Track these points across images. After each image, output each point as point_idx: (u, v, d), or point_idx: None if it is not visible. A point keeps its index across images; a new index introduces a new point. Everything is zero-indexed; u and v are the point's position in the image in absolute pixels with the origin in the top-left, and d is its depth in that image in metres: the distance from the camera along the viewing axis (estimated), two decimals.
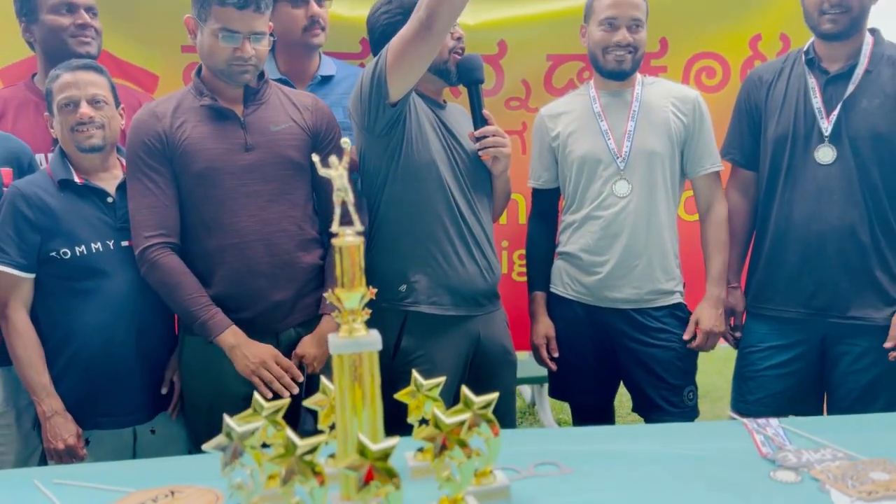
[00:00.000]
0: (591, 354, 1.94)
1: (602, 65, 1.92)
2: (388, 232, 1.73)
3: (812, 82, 1.84)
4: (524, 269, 2.18)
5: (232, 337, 1.57)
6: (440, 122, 1.78)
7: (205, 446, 1.06)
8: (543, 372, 2.08)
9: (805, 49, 1.90)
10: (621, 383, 2.01)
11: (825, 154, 1.80)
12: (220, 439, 1.06)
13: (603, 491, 1.18)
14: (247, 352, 1.56)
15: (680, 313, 1.93)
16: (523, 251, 2.19)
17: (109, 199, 1.66)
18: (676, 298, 1.93)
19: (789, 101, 1.86)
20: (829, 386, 1.86)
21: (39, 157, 1.88)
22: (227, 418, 1.07)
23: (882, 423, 1.47)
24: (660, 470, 1.25)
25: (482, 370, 1.77)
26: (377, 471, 0.98)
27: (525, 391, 3.89)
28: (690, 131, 1.93)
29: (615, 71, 1.90)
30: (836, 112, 1.80)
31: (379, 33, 1.76)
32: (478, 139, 1.79)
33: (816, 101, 1.83)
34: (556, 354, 1.96)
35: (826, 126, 1.80)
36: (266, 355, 1.57)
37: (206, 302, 1.58)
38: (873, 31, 1.86)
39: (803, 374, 1.85)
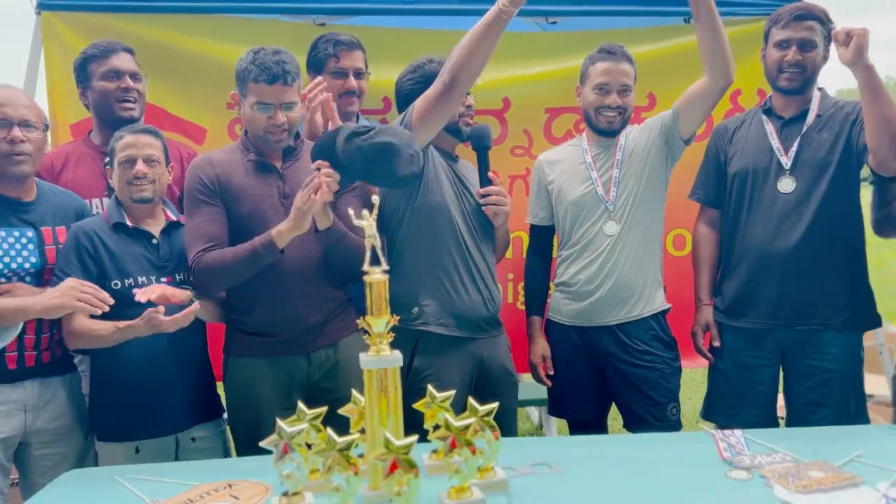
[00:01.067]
0: (586, 375, 2.18)
1: (595, 123, 2.20)
2: (403, 262, 1.99)
3: (769, 128, 2.13)
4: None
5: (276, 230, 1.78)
6: (453, 172, 2.07)
7: (262, 443, 1.33)
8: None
9: (762, 102, 2.19)
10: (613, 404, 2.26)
11: (787, 185, 2.06)
12: (273, 438, 1.33)
13: (585, 485, 1.43)
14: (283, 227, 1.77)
15: (665, 338, 2.18)
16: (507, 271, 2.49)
17: (154, 241, 1.94)
18: (661, 306, 2.18)
19: (749, 143, 2.14)
20: (788, 395, 2.11)
21: (96, 201, 2.18)
22: (279, 421, 1.33)
23: (827, 433, 1.71)
24: (633, 469, 1.49)
25: (486, 388, 2.00)
26: (400, 462, 1.24)
27: (533, 414, 4.12)
28: (660, 120, 2.18)
29: (606, 130, 2.18)
30: (794, 147, 2.07)
31: (404, 95, 2.09)
32: (483, 196, 2.07)
33: (774, 142, 2.10)
34: (551, 372, 2.21)
35: (786, 161, 2.07)
36: None
37: (249, 244, 1.80)
38: (820, 89, 2.15)
39: (768, 381, 2.10)
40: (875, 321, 2.12)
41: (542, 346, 2.23)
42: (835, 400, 2.01)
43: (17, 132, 1.83)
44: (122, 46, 2.21)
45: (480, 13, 2.42)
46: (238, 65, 1.90)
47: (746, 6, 2.57)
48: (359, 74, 2.25)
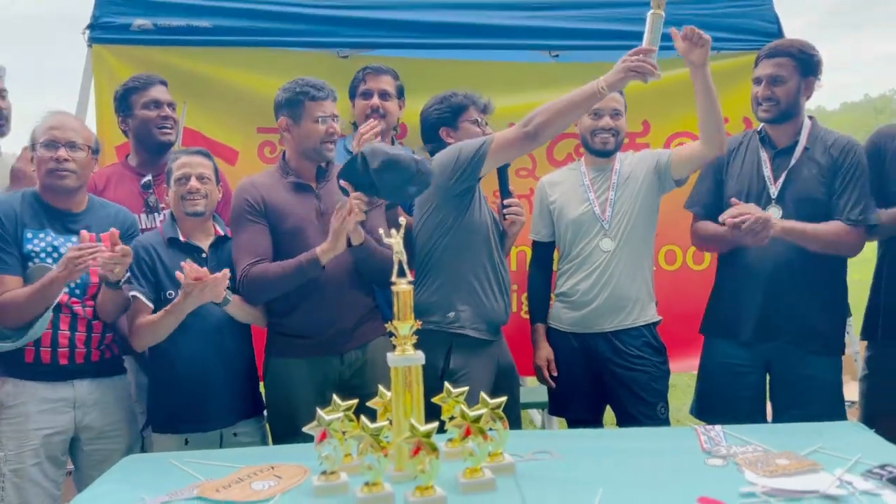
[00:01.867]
0: (583, 378, 2.40)
1: (591, 145, 2.44)
2: (443, 271, 2.21)
3: (764, 155, 2.33)
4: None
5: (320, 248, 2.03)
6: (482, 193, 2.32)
7: (305, 428, 1.56)
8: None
9: (759, 129, 2.41)
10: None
11: (774, 213, 2.27)
12: (313, 424, 1.55)
13: (581, 470, 1.64)
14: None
15: (656, 344, 2.40)
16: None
17: (203, 255, 2.17)
18: (652, 318, 2.40)
19: (745, 169, 2.35)
20: (773, 400, 2.32)
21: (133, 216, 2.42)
22: (318, 410, 1.55)
23: (797, 429, 1.92)
24: (623, 457, 1.70)
25: (498, 382, 2.22)
26: (423, 444, 1.46)
27: (535, 417, 4.33)
28: (656, 159, 2.42)
29: (601, 150, 2.42)
30: (781, 179, 2.28)
31: (431, 123, 2.35)
32: (504, 206, 2.31)
33: (766, 171, 2.31)
34: (555, 374, 2.43)
35: (774, 190, 2.28)
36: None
37: (295, 260, 2.04)
38: (811, 118, 2.36)
39: (753, 387, 2.31)
40: (842, 347, 2.34)
41: (546, 351, 2.45)
42: (816, 406, 2.19)
43: (62, 152, 2.06)
44: (158, 79, 2.45)
45: (481, 47, 2.70)
46: (284, 94, 2.16)
47: (731, 41, 2.80)
48: (384, 96, 2.49)
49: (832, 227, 2.19)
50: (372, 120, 2.35)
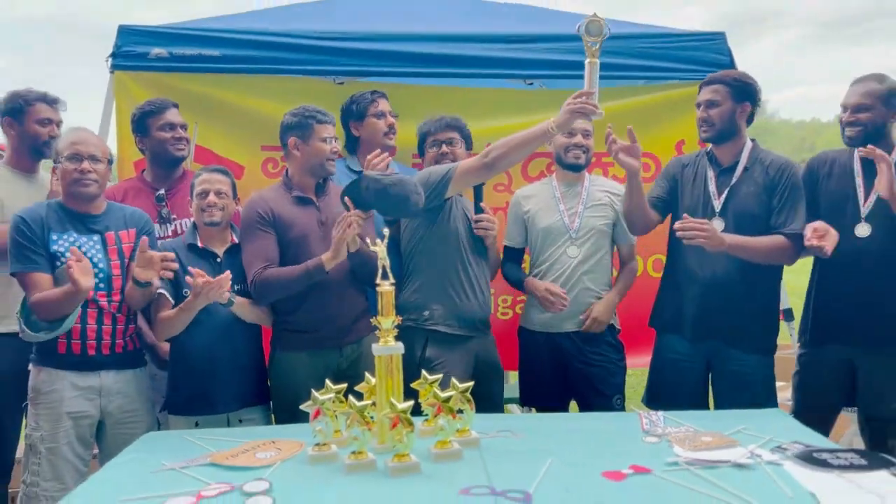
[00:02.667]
0: (550, 372, 2.70)
1: (564, 160, 2.74)
2: (419, 275, 2.53)
3: (710, 173, 2.63)
4: (506, 310, 3.09)
5: (325, 256, 2.34)
6: (460, 206, 2.63)
7: (302, 406, 1.85)
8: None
9: (708, 149, 2.71)
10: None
11: (717, 225, 2.56)
12: (309, 403, 1.84)
13: (536, 445, 1.93)
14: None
15: (614, 343, 2.70)
16: (505, 296, 3.11)
17: (218, 259, 2.46)
18: (613, 322, 2.71)
19: (696, 183, 2.65)
20: (714, 393, 2.62)
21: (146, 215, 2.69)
22: (313, 391, 1.85)
23: (726, 415, 2.22)
24: (574, 436, 2.00)
25: (480, 377, 2.46)
26: (401, 419, 1.75)
27: (515, 410, 4.61)
28: (619, 213, 2.73)
29: (573, 164, 2.73)
30: (724, 195, 2.58)
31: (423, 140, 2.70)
32: (476, 221, 2.62)
33: (711, 187, 2.61)
34: (555, 290, 2.64)
35: (717, 204, 2.59)
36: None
37: (303, 265, 2.35)
38: (753, 140, 2.66)
39: (695, 382, 2.60)
40: (773, 347, 2.63)
41: (542, 283, 2.69)
42: (749, 398, 2.47)
43: (85, 164, 2.34)
44: (171, 103, 2.75)
45: (463, 75, 3.02)
46: (293, 118, 2.48)
47: (689, 72, 3.10)
48: (392, 114, 2.82)
49: (773, 240, 2.48)
50: (382, 152, 2.62)
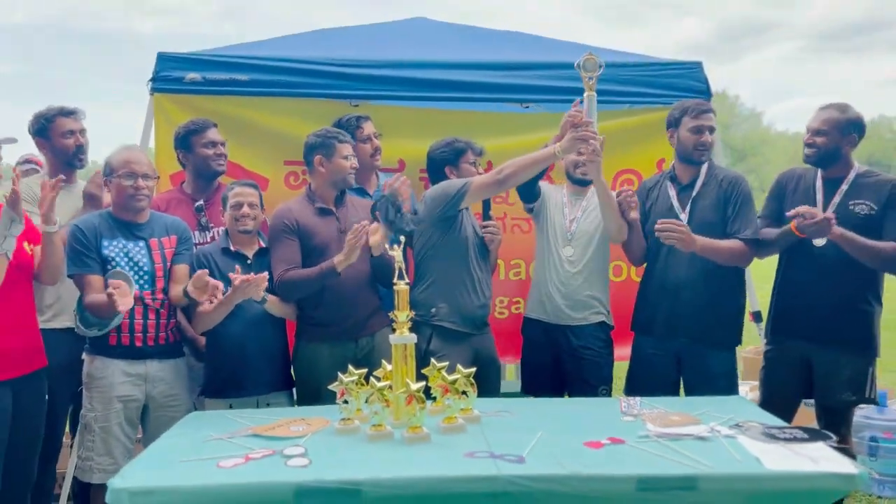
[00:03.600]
0: (548, 363, 3.02)
1: (573, 175, 3.06)
2: (428, 276, 2.85)
3: (672, 192, 2.98)
4: (502, 310, 3.47)
5: (337, 259, 2.66)
6: (470, 217, 2.97)
7: (330, 386, 2.17)
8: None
9: (670, 170, 3.05)
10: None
11: None
12: (336, 383, 2.16)
13: (528, 421, 2.24)
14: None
15: (603, 337, 3.02)
16: (502, 297, 3.45)
17: (248, 261, 2.79)
18: (602, 318, 3.03)
19: (662, 201, 3.00)
20: (683, 382, 2.95)
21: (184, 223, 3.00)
22: (339, 374, 2.17)
23: (695, 401, 2.54)
24: (563, 416, 2.33)
25: (479, 370, 2.69)
26: (415, 397, 2.07)
27: None
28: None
29: (581, 180, 3.06)
30: (688, 208, 2.93)
31: (437, 161, 3.01)
32: (484, 227, 2.95)
33: (675, 203, 2.96)
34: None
35: (684, 217, 2.92)
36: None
37: (318, 267, 2.68)
38: (711, 161, 3.02)
39: (667, 375, 2.93)
40: (738, 341, 2.97)
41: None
42: (714, 390, 2.77)
43: (139, 182, 2.67)
44: (211, 123, 3.08)
45: (465, 99, 3.36)
46: (318, 139, 2.82)
47: (668, 97, 3.38)
48: (376, 135, 3.14)
49: (733, 243, 2.83)
50: (403, 176, 2.89)
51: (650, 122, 3.41)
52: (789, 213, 2.71)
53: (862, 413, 3.95)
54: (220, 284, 2.55)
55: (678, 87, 3.46)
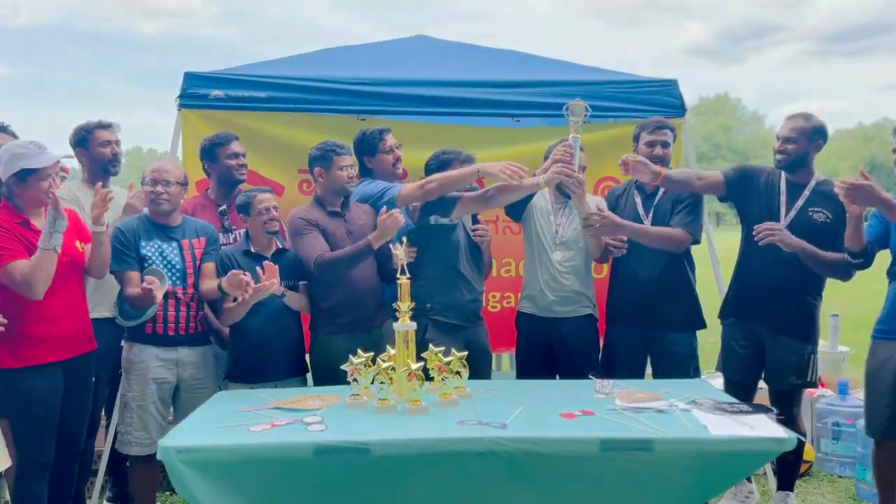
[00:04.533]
0: (540, 353, 3.36)
1: (561, 187, 3.39)
2: (424, 273, 3.17)
3: (637, 199, 3.36)
4: (495, 304, 3.81)
5: (372, 237, 2.99)
6: (463, 222, 3.31)
7: (342, 366, 2.52)
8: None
9: (634, 178, 3.39)
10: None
11: None
12: (348, 364, 2.52)
13: (513, 397, 2.59)
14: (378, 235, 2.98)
15: (589, 328, 3.37)
16: (494, 292, 3.80)
17: (261, 266, 3.12)
18: (588, 311, 3.37)
19: (627, 208, 3.36)
20: (652, 364, 3.31)
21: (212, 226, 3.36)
22: (350, 356, 2.52)
23: (663, 381, 2.89)
24: (544, 395, 2.67)
25: (470, 358, 2.94)
26: (415, 375, 2.43)
27: None
28: None
29: (567, 193, 3.39)
30: (651, 213, 3.31)
31: (430, 171, 3.32)
32: (473, 229, 3.30)
33: (640, 209, 3.33)
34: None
35: (647, 221, 3.30)
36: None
37: (354, 245, 3.01)
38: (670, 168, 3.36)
39: (636, 361, 3.29)
40: (701, 324, 3.34)
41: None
42: (678, 369, 3.20)
43: (158, 188, 3.00)
44: (234, 136, 3.43)
45: (462, 114, 3.71)
46: (318, 151, 3.14)
47: (645, 112, 3.73)
48: (398, 146, 3.44)
49: (670, 229, 3.24)
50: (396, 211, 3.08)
51: (629, 134, 3.74)
52: (757, 233, 3.07)
53: (826, 401, 4.34)
54: (252, 281, 2.88)
55: (655, 102, 3.81)
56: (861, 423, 3.33)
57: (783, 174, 3.25)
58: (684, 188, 3.26)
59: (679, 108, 3.81)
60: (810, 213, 3.15)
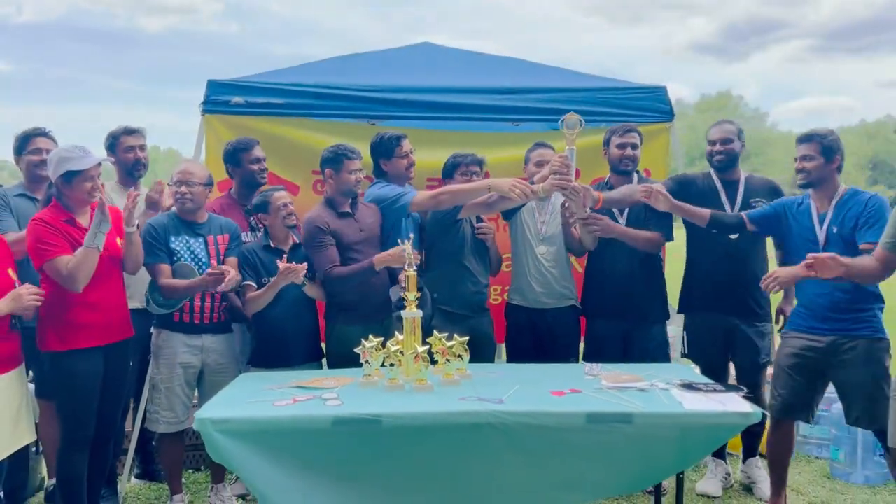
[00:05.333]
0: (529, 340, 3.64)
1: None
2: (433, 265, 3.46)
3: None
4: (496, 297, 4.07)
5: (376, 259, 3.26)
6: (468, 220, 3.58)
7: (355, 349, 2.80)
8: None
9: (606, 180, 3.69)
10: None
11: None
12: (361, 347, 2.80)
13: (509, 378, 2.86)
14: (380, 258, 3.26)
15: (572, 317, 3.66)
16: (495, 286, 4.04)
17: (285, 254, 3.40)
18: (572, 303, 3.66)
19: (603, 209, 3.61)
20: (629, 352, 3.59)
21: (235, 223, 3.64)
22: (363, 341, 2.80)
23: (644, 366, 3.16)
24: (537, 377, 2.95)
25: (473, 345, 3.19)
26: (421, 357, 2.71)
27: None
28: None
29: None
30: (626, 213, 3.61)
31: (447, 168, 3.62)
32: (477, 228, 3.58)
33: (615, 210, 3.61)
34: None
35: (622, 220, 3.60)
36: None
37: (359, 265, 3.28)
38: (637, 172, 3.69)
39: (616, 348, 3.56)
40: (666, 316, 3.65)
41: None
42: (649, 356, 3.46)
43: (182, 188, 3.28)
44: (256, 141, 3.70)
45: (465, 118, 3.98)
46: (329, 154, 3.40)
47: (637, 117, 3.97)
48: (413, 152, 3.68)
49: (650, 233, 3.55)
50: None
51: None
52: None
53: None
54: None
55: (646, 108, 4.08)
56: (836, 406, 3.59)
57: (715, 175, 3.61)
58: (631, 203, 3.54)
59: (668, 114, 4.08)
60: (753, 204, 3.51)
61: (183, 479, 3.59)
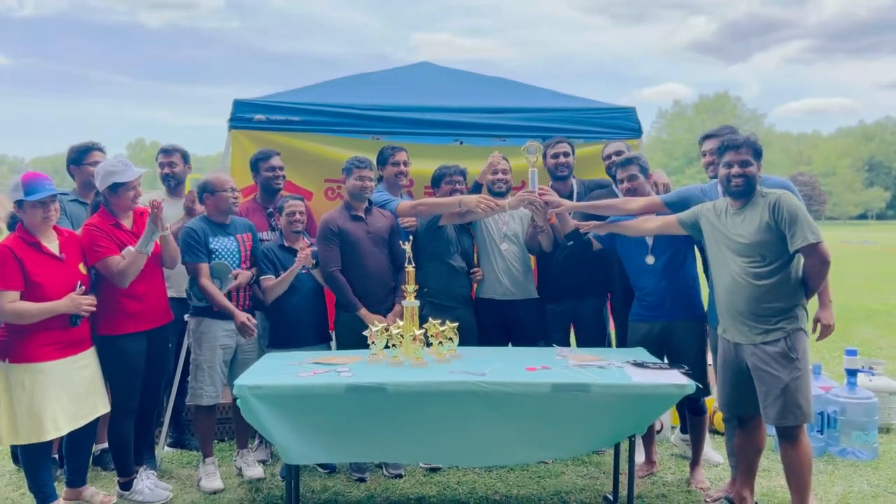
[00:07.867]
0: (500, 329, 4.19)
1: (492, 189, 4.24)
2: (424, 263, 4.00)
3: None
4: None
5: (362, 312, 3.84)
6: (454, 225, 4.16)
7: (363, 332, 3.37)
8: None
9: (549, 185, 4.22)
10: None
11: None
12: (368, 330, 3.37)
13: (489, 359, 3.42)
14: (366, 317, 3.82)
15: (536, 306, 4.20)
16: None
17: (305, 246, 3.97)
18: (532, 295, 4.21)
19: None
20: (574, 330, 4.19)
21: (261, 233, 4.21)
22: (370, 325, 3.37)
23: (611, 350, 3.73)
24: (513, 358, 3.52)
25: (459, 333, 3.78)
26: (418, 339, 3.28)
27: None
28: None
29: (499, 192, 4.22)
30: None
31: (436, 178, 4.18)
32: (473, 272, 4.16)
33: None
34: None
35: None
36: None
37: (353, 299, 3.86)
38: (575, 177, 4.24)
39: (564, 331, 4.17)
40: (604, 297, 4.25)
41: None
42: (588, 334, 4.10)
43: (235, 194, 3.88)
44: (274, 152, 4.27)
45: (458, 135, 4.55)
46: (346, 164, 3.97)
47: (607, 134, 4.57)
48: (405, 164, 4.26)
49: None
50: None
51: (594, 152, 4.56)
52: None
53: None
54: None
55: (616, 125, 4.65)
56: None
57: (616, 188, 4.06)
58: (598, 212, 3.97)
59: (637, 131, 4.65)
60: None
61: None
